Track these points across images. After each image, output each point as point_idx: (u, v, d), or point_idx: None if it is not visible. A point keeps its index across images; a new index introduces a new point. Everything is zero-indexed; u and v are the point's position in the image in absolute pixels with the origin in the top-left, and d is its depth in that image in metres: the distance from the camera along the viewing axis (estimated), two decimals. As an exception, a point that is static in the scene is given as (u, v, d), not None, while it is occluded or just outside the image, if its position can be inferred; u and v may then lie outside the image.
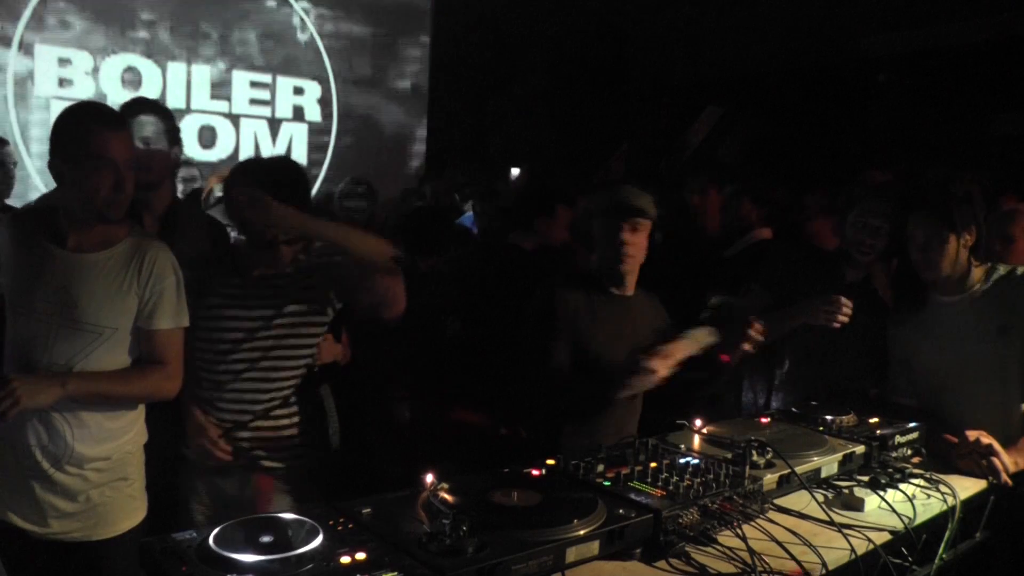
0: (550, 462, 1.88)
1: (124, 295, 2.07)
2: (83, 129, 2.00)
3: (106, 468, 2.13)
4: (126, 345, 2.11)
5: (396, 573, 1.33)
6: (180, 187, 4.68)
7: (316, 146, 6.40)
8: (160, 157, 2.69)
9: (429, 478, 1.65)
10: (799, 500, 1.90)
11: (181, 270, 2.19)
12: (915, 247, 2.46)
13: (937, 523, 1.93)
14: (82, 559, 2.13)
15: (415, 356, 3.25)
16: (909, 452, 2.24)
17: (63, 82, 5.37)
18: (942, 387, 2.48)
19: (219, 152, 5.98)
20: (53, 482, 2.07)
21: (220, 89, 6.02)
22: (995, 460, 2.15)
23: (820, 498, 1.89)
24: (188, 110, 5.84)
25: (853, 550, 1.69)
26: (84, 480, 2.10)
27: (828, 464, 2.05)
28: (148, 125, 2.68)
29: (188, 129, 5.79)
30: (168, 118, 2.76)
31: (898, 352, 2.62)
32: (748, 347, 2.51)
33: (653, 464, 1.84)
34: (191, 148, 5.72)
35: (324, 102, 6.51)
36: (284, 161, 2.55)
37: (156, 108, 2.75)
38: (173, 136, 2.76)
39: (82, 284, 2.04)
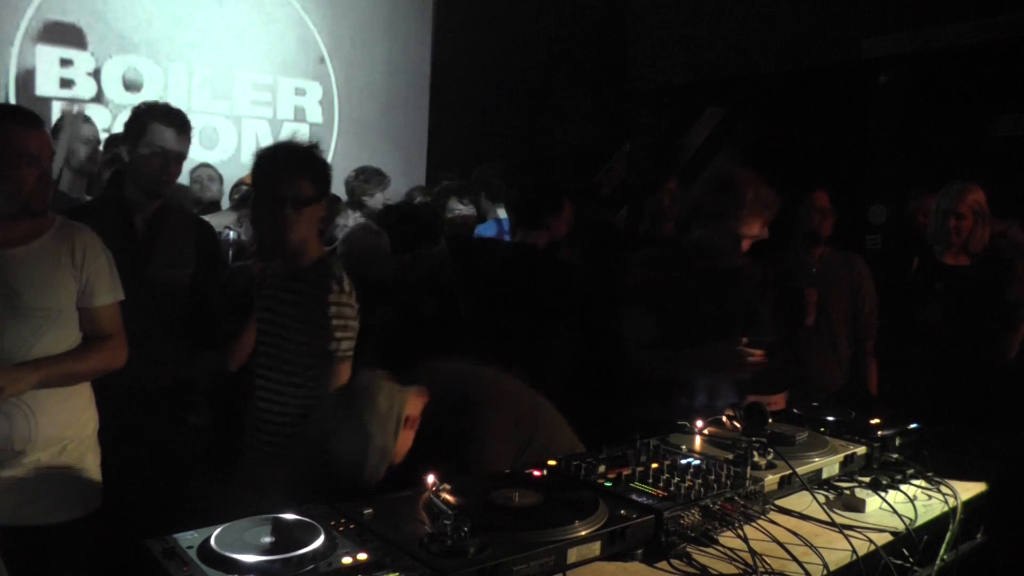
0: (551, 463, 1.88)
1: (61, 277, 2.17)
2: (1, 128, 2.10)
3: (66, 452, 2.19)
4: (73, 324, 2.20)
5: (397, 574, 1.33)
6: (198, 187, 4.73)
7: (317, 147, 6.42)
8: (179, 171, 2.79)
9: (430, 478, 1.65)
10: (800, 501, 1.90)
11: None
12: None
13: (938, 524, 1.93)
14: (41, 542, 2.17)
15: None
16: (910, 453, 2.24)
17: (64, 83, 5.37)
18: None
19: (220, 153, 5.98)
20: (17, 468, 2.11)
21: (222, 90, 6.02)
22: None
23: (821, 499, 1.89)
24: (190, 111, 5.82)
25: (854, 551, 1.69)
26: (47, 465, 2.15)
27: (829, 465, 2.05)
28: (176, 140, 2.73)
29: (189, 130, 5.80)
30: (191, 134, 2.86)
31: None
32: None
33: (654, 465, 1.84)
34: (193, 149, 5.72)
35: (325, 103, 6.51)
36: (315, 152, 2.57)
37: (185, 124, 2.81)
38: (187, 147, 2.86)
39: (19, 274, 2.12)
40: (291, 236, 2.41)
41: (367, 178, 4.86)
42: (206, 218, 3.54)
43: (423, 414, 2.04)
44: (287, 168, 2.41)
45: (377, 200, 4.75)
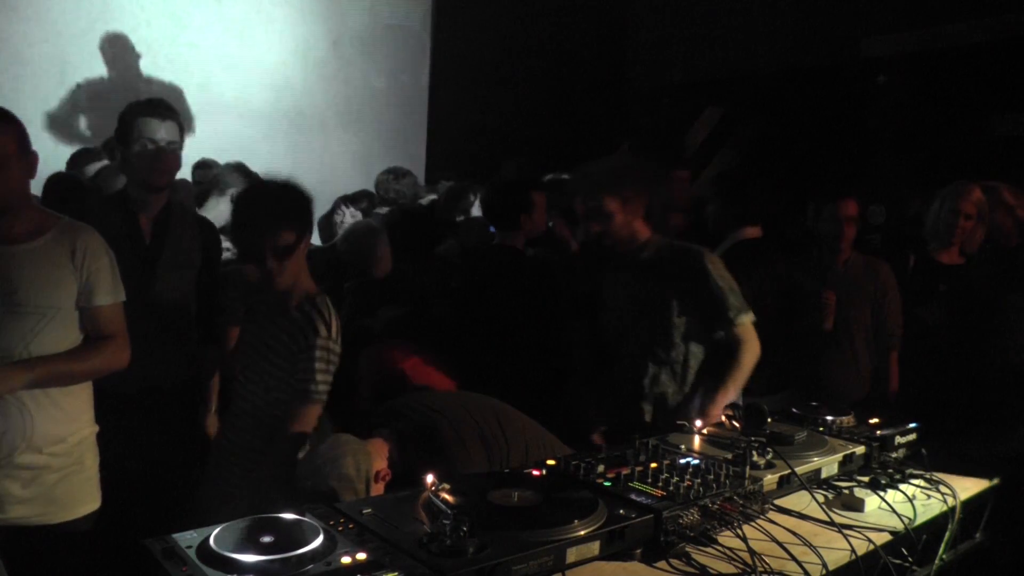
0: (550, 462, 1.88)
1: (61, 276, 2.15)
2: None
3: (63, 452, 2.18)
4: (72, 323, 2.18)
5: (397, 573, 1.33)
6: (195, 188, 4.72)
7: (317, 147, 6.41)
8: (173, 161, 2.76)
9: (430, 478, 1.65)
10: (799, 500, 1.90)
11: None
12: None
13: (937, 524, 1.93)
14: (40, 542, 2.16)
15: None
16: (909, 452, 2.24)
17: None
18: None
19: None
20: (13, 467, 2.10)
21: (221, 89, 6.02)
22: None
23: (820, 498, 1.89)
24: (189, 111, 5.84)
25: (853, 550, 1.69)
26: (43, 465, 2.14)
27: (828, 464, 2.05)
28: (162, 129, 2.71)
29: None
30: (179, 122, 2.82)
31: None
32: None
33: (653, 464, 1.84)
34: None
35: (325, 103, 6.51)
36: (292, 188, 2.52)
37: (169, 112, 2.79)
38: (182, 141, 2.82)
39: (18, 272, 2.10)
40: (279, 282, 2.38)
41: (397, 176, 4.95)
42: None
43: (391, 460, 2.06)
44: (266, 220, 2.34)
45: (406, 197, 4.81)
